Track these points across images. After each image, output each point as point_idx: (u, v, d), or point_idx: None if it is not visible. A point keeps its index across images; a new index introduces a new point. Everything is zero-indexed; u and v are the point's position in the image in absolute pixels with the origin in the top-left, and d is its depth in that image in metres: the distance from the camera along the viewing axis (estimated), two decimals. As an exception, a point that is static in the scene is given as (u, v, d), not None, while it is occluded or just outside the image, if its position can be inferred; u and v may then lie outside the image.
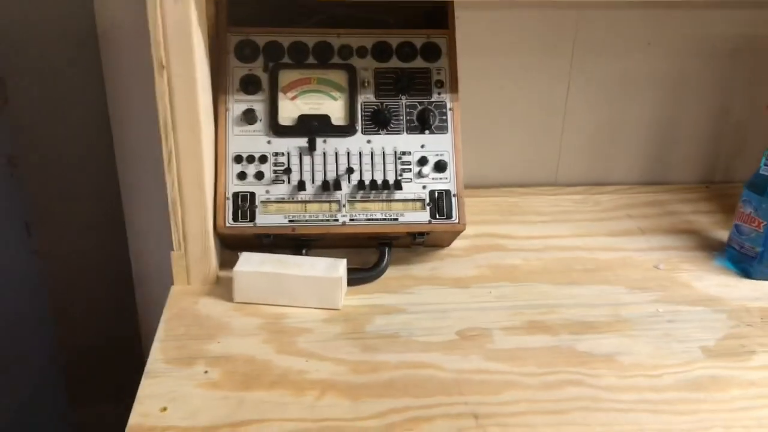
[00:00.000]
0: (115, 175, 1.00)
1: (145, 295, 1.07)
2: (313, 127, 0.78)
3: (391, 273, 0.80)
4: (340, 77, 0.79)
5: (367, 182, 0.77)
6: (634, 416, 0.61)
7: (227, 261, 0.79)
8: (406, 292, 0.77)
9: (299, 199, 0.77)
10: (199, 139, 0.71)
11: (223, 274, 0.78)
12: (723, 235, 0.88)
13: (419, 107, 0.79)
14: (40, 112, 0.97)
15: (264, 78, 0.78)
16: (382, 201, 0.77)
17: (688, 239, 0.89)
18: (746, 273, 0.81)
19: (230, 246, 0.81)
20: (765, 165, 0.78)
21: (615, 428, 0.60)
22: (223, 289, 0.76)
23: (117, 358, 1.09)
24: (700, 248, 0.87)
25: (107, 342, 1.09)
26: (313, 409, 0.61)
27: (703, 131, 1.02)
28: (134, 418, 0.60)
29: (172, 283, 0.77)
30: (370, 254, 0.80)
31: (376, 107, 0.79)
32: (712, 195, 1.00)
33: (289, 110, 0.78)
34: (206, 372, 0.65)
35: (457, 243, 0.85)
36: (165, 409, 0.61)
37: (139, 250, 1.04)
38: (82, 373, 1.10)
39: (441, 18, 0.81)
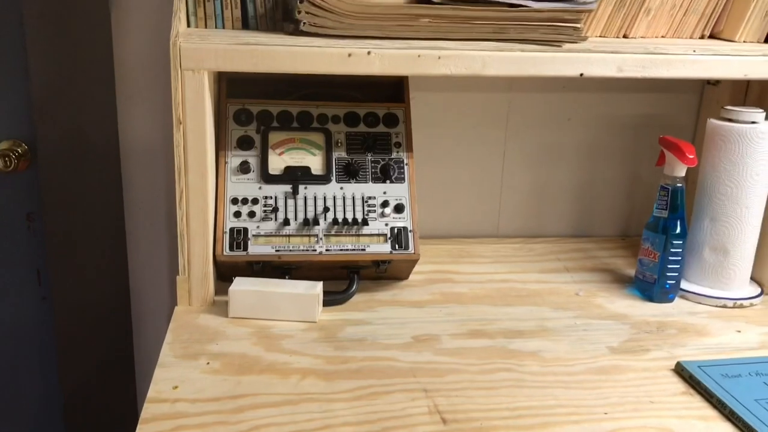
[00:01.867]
0: (123, 231, 1.15)
1: (140, 340, 1.20)
2: (296, 176, 0.96)
3: (359, 298, 0.96)
4: (318, 138, 0.98)
5: (340, 220, 0.95)
6: (551, 391, 0.77)
7: (219, 290, 0.95)
8: (371, 311, 0.94)
9: (284, 233, 0.94)
10: (206, 182, 0.89)
11: (218, 298, 0.94)
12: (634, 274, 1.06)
13: (382, 162, 0.98)
14: (61, 174, 1.13)
15: (257, 138, 0.97)
16: (352, 235, 0.95)
17: (605, 276, 1.08)
18: (649, 298, 0.99)
19: (224, 276, 0.97)
20: (657, 209, 0.98)
21: (536, 399, 0.76)
22: (219, 309, 0.92)
23: (112, 395, 1.21)
24: (614, 282, 1.05)
25: (104, 380, 1.20)
26: (296, 387, 0.76)
27: (618, 192, 1.22)
28: (151, 393, 0.74)
29: (176, 305, 0.93)
30: (341, 284, 0.97)
31: (347, 162, 0.98)
32: (628, 245, 1.19)
33: (277, 163, 0.96)
34: (208, 363, 0.80)
35: (414, 277, 1.03)
36: (176, 387, 0.75)
37: (138, 300, 1.18)
38: (79, 408, 1.21)
39: (399, 94, 1.02)
